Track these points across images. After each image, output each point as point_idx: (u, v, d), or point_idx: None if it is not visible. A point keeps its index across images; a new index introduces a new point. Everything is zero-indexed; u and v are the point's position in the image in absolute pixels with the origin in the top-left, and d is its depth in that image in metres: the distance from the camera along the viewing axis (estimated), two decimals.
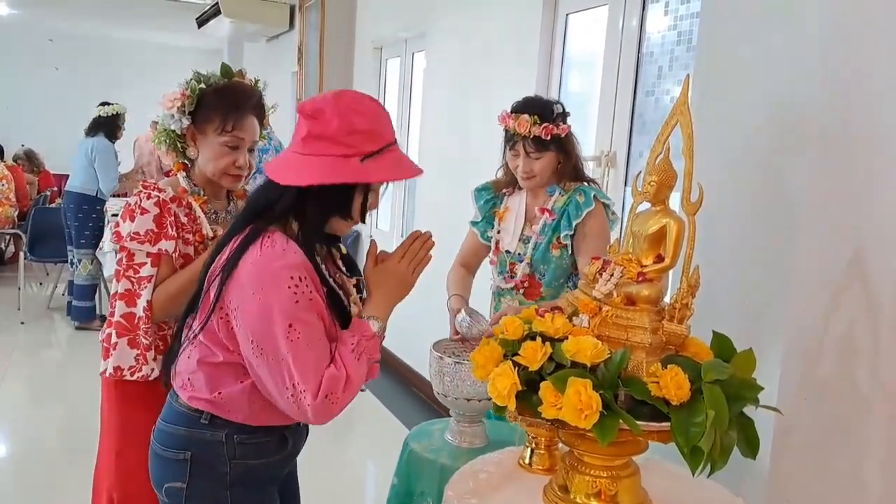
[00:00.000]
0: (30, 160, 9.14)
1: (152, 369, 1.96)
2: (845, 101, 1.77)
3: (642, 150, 3.11)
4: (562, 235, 2.34)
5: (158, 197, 1.96)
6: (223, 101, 1.99)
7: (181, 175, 2.05)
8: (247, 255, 1.52)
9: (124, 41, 11.87)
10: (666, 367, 1.36)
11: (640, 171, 1.56)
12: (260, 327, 1.48)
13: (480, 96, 4.22)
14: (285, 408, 1.52)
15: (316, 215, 1.58)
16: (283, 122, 8.55)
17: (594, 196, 2.33)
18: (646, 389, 1.35)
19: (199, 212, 2.02)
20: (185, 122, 1.99)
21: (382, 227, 6.11)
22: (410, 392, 5.05)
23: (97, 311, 6.18)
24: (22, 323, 6.23)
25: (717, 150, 2.07)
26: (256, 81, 2.15)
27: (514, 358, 1.42)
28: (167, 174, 2.11)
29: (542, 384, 1.36)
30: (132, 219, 1.93)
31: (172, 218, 1.96)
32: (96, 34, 11.75)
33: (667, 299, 1.52)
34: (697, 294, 1.46)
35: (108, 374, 1.98)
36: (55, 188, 9.14)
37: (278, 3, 8.19)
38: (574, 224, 2.32)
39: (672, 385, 1.32)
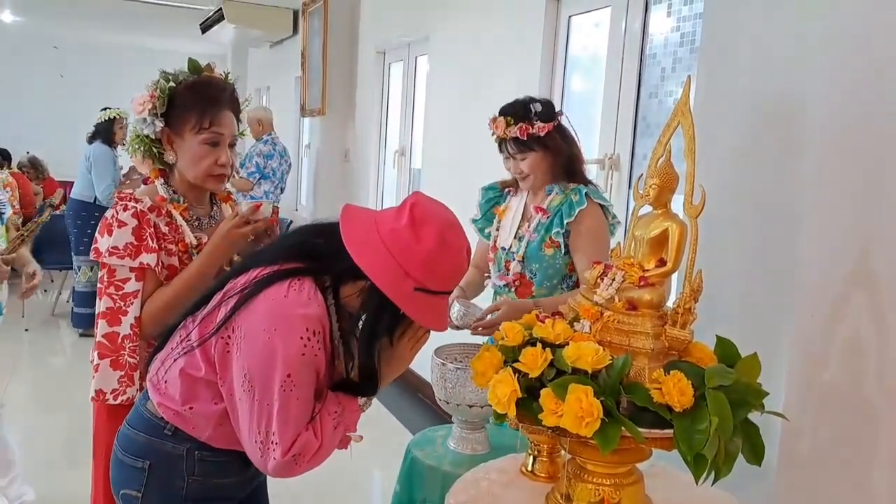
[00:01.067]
0: (34, 168, 9.15)
1: (137, 391, 1.86)
2: (849, 102, 1.75)
3: (646, 153, 3.09)
4: (553, 234, 2.34)
5: (136, 208, 1.85)
6: (197, 98, 1.88)
7: (159, 182, 1.95)
8: (271, 290, 1.47)
9: (128, 48, 11.89)
10: (668, 373, 1.33)
11: (642, 174, 1.54)
12: (258, 365, 1.44)
13: (483, 99, 4.20)
14: (249, 451, 1.49)
15: (356, 301, 1.53)
16: (286, 126, 8.58)
17: (586, 194, 2.33)
18: (648, 396, 1.33)
19: (180, 220, 1.92)
20: (159, 124, 1.88)
21: None
22: (414, 396, 5.03)
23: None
24: (26, 330, 6.24)
25: (720, 152, 2.05)
26: (227, 75, 2.03)
27: (515, 364, 1.40)
28: (145, 182, 2.01)
29: (543, 391, 1.34)
30: (110, 233, 1.83)
31: (152, 229, 1.86)
32: (101, 41, 11.78)
33: (669, 304, 1.50)
34: (700, 298, 1.44)
35: (90, 398, 1.90)
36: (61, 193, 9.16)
37: (281, 9, 8.20)
38: (566, 223, 2.32)
39: (675, 391, 1.30)
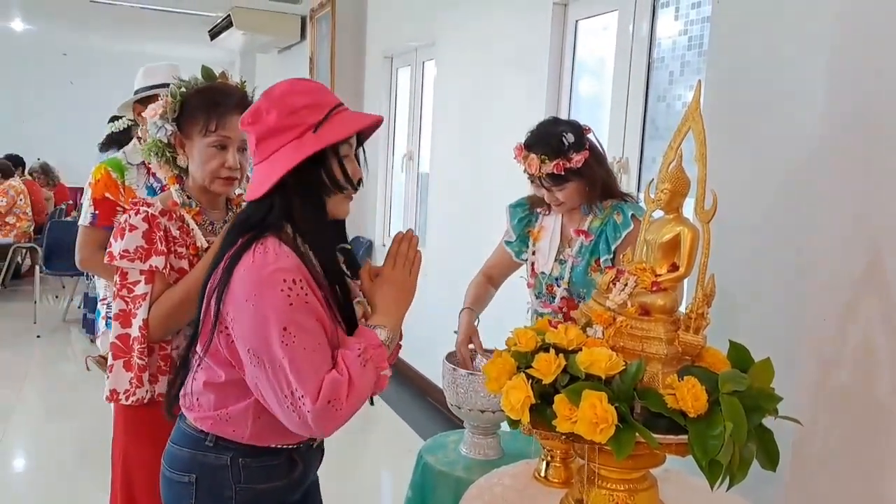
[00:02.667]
0: (45, 174, 9.21)
1: (147, 392, 1.90)
2: (858, 104, 1.74)
3: (654, 156, 3.08)
4: (601, 259, 2.23)
5: (147, 212, 1.88)
6: (205, 101, 1.91)
7: (174, 188, 1.97)
8: (240, 264, 1.48)
9: (137, 54, 11.89)
10: (682, 379, 1.33)
11: (653, 179, 1.54)
12: (255, 334, 1.44)
13: (491, 104, 4.21)
14: (286, 420, 1.47)
15: (306, 207, 1.53)
16: None
17: (632, 215, 2.22)
18: (662, 401, 1.32)
19: (192, 224, 1.94)
20: (170, 128, 1.92)
21: None
22: (425, 402, 5.03)
23: None
24: (38, 336, 6.27)
25: (730, 156, 2.05)
26: (243, 83, 2.05)
27: (528, 370, 1.40)
28: (162, 189, 2.04)
29: (557, 397, 1.34)
30: (122, 237, 1.86)
31: (162, 232, 1.88)
32: (110, 48, 11.84)
33: (682, 309, 1.50)
34: (713, 303, 1.43)
35: (105, 398, 1.93)
36: (71, 201, 9.21)
37: (290, 15, 8.22)
38: (613, 247, 2.21)
39: (689, 397, 1.30)
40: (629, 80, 3.21)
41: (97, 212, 2.65)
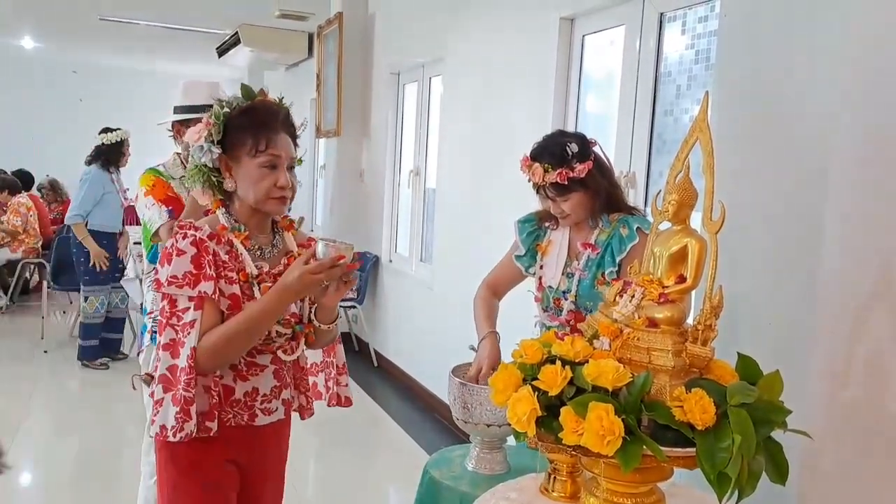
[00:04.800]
0: (54, 190, 9.25)
1: (195, 426, 1.76)
2: (866, 116, 1.74)
3: (662, 170, 3.08)
4: (606, 272, 2.23)
5: (195, 236, 1.80)
6: (251, 121, 1.84)
7: (220, 212, 1.89)
8: None
9: (146, 72, 12.04)
10: (690, 391, 1.32)
11: (660, 190, 1.54)
12: None
13: (498, 119, 4.22)
14: None
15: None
16: (302, 147, 8.61)
17: (637, 228, 2.22)
18: (670, 414, 1.31)
19: (241, 249, 1.85)
20: (216, 151, 1.83)
21: (402, 252, 6.11)
22: (430, 416, 5.01)
23: (121, 347, 6.13)
24: (45, 351, 6.27)
25: (737, 169, 2.04)
26: (281, 100, 1.99)
27: (534, 382, 1.39)
28: (206, 213, 1.96)
29: (563, 409, 1.33)
30: (169, 262, 1.77)
31: (211, 257, 1.80)
32: (119, 65, 11.95)
33: (689, 321, 1.49)
34: (720, 315, 1.42)
35: (152, 434, 1.80)
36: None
37: (297, 32, 8.28)
38: (618, 259, 2.21)
39: (697, 409, 1.29)
40: (636, 94, 3.21)
41: (171, 208, 2.71)
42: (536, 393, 1.37)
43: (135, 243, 5.70)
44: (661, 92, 3.13)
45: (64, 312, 7.73)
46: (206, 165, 1.85)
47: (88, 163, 5.91)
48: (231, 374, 1.86)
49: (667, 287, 1.46)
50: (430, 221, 5.57)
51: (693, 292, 1.50)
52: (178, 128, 2.75)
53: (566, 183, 2.17)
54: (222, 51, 9.13)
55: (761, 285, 1.99)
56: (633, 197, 3.18)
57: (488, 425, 2.17)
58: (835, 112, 1.78)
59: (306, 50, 8.37)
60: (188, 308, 1.76)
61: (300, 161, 1.96)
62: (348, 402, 2.13)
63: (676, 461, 1.34)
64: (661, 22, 3.11)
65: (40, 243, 7.81)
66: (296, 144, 1.94)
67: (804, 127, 1.90)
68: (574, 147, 2.19)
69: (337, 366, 2.12)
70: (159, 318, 1.81)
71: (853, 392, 1.74)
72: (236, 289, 1.83)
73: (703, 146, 1.46)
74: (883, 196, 1.72)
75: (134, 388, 2.60)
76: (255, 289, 1.85)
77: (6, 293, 7.82)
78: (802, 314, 1.83)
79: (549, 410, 1.36)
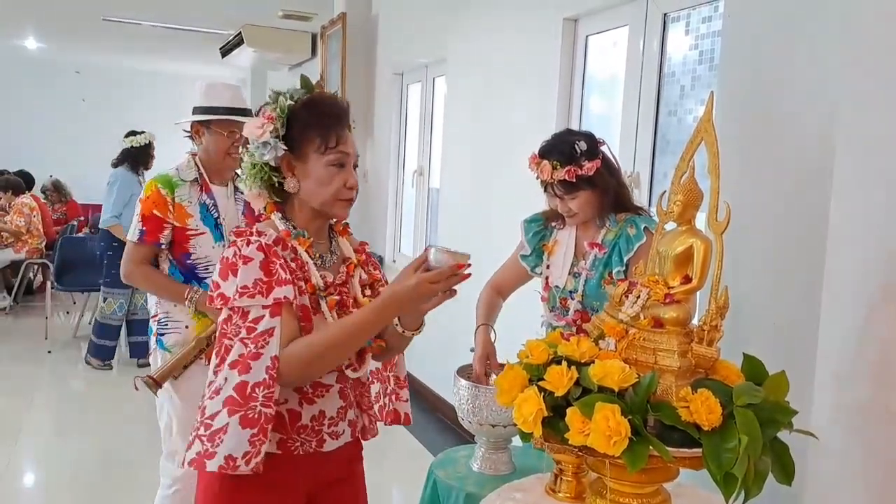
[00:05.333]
0: (57, 190, 9.29)
1: (265, 449, 1.56)
2: (870, 116, 1.74)
3: (666, 171, 3.08)
4: (613, 271, 2.23)
5: (259, 241, 1.60)
6: (318, 115, 1.66)
7: (276, 216, 1.69)
8: None
9: (149, 72, 12.06)
10: (696, 391, 1.33)
11: (665, 191, 1.54)
12: None
13: (501, 120, 4.22)
14: None
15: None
16: None
17: (645, 228, 2.21)
18: (676, 414, 1.32)
19: (305, 257, 1.67)
20: (282, 148, 1.64)
21: (405, 252, 6.11)
22: (435, 417, 5.01)
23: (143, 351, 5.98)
24: (49, 352, 6.27)
25: (742, 169, 2.04)
26: (335, 94, 1.83)
27: (540, 383, 1.40)
28: (258, 219, 1.75)
29: (569, 410, 1.33)
30: (234, 273, 1.57)
31: (282, 260, 1.61)
32: (122, 65, 11.96)
33: (695, 321, 1.49)
34: (726, 316, 1.43)
35: (216, 469, 1.52)
36: (82, 218, 9.26)
37: (300, 32, 8.28)
38: (625, 259, 2.21)
39: (703, 410, 1.29)
40: (640, 95, 3.21)
41: (144, 228, 2.60)
42: (542, 393, 1.38)
43: None
44: (665, 92, 3.13)
45: (67, 313, 7.74)
46: (266, 164, 1.66)
47: (115, 165, 5.95)
48: (296, 397, 1.66)
49: (672, 287, 1.46)
50: (433, 221, 5.58)
51: (698, 293, 1.50)
52: (198, 128, 2.71)
53: (574, 181, 2.17)
54: (225, 51, 9.14)
55: (765, 285, 1.99)
56: (638, 197, 3.18)
57: (493, 426, 2.17)
58: (838, 112, 1.78)
59: (309, 50, 8.38)
60: (262, 317, 1.56)
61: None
62: (407, 420, 1.93)
63: (683, 462, 1.34)
64: (664, 22, 3.11)
65: (44, 244, 7.83)
66: None
67: (808, 127, 1.89)
68: (583, 145, 2.19)
69: (398, 378, 1.92)
70: (221, 335, 1.61)
71: (859, 393, 1.75)
72: (305, 300, 1.64)
73: (709, 147, 1.46)
74: (887, 196, 1.72)
75: (136, 388, 2.60)
76: (323, 302, 1.67)
77: (10, 294, 7.83)
78: (807, 314, 1.83)
79: (555, 411, 1.37)
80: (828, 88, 1.83)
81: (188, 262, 2.65)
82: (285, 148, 1.64)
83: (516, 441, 2.28)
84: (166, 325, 2.69)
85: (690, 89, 3.02)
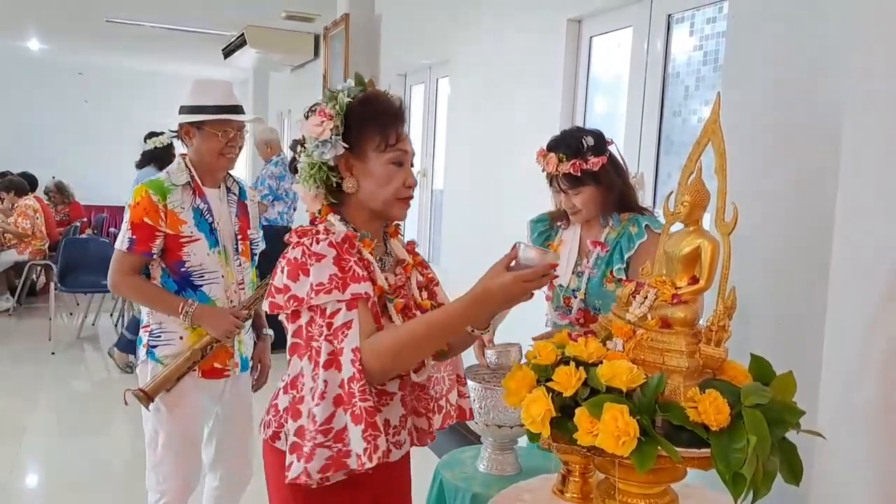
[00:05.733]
0: (60, 192, 9.30)
1: (387, 443, 1.52)
2: (875, 115, 1.74)
3: (670, 171, 3.08)
4: (615, 269, 2.24)
5: (329, 238, 1.55)
6: (377, 113, 1.62)
7: (334, 218, 1.64)
8: None
9: (151, 73, 12.09)
10: (704, 392, 1.33)
11: (672, 192, 1.54)
12: None
13: (505, 121, 4.22)
14: None
15: None
16: None
17: (646, 226, 2.23)
18: (684, 415, 1.32)
19: (371, 259, 1.62)
20: (343, 146, 1.59)
21: None
22: None
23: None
24: (53, 353, 6.28)
25: (748, 169, 2.04)
26: (387, 91, 1.77)
27: (548, 383, 1.40)
28: (311, 221, 1.68)
29: (578, 410, 1.33)
30: (305, 272, 1.51)
31: (354, 258, 1.56)
32: (124, 67, 12.00)
33: (702, 322, 1.49)
34: (733, 316, 1.43)
35: (356, 466, 1.49)
36: (85, 219, 9.28)
37: (303, 34, 8.30)
38: (626, 257, 2.22)
39: (711, 410, 1.29)
40: (644, 95, 3.21)
41: (135, 237, 2.42)
42: (551, 394, 1.38)
43: None
44: (670, 93, 3.13)
45: (71, 314, 7.75)
46: (325, 164, 1.61)
47: (140, 166, 5.90)
48: None
49: (680, 288, 1.46)
50: (437, 222, 5.58)
51: (705, 293, 1.51)
52: (188, 129, 2.53)
53: (579, 175, 2.18)
54: (228, 52, 9.16)
55: (773, 286, 1.99)
56: (642, 197, 3.17)
57: (500, 426, 2.17)
58: (843, 112, 1.79)
59: (312, 51, 8.39)
60: (338, 310, 1.50)
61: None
62: (471, 415, 1.87)
63: (691, 462, 1.34)
64: (668, 23, 3.11)
65: (47, 245, 7.84)
66: None
67: (812, 127, 1.90)
68: (590, 140, 2.20)
69: (458, 377, 1.85)
70: (307, 336, 1.53)
71: (865, 393, 1.75)
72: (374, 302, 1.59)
73: (716, 148, 1.46)
74: (892, 195, 1.72)
75: (126, 403, 2.47)
76: (390, 305, 1.62)
77: (13, 295, 7.84)
78: (813, 314, 1.84)
79: (564, 411, 1.37)
80: (832, 88, 1.83)
81: (182, 270, 2.48)
82: (345, 146, 1.60)
83: (522, 441, 2.29)
84: (159, 336, 2.53)
85: (695, 90, 3.02)
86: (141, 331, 2.61)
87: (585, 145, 2.19)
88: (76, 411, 5.17)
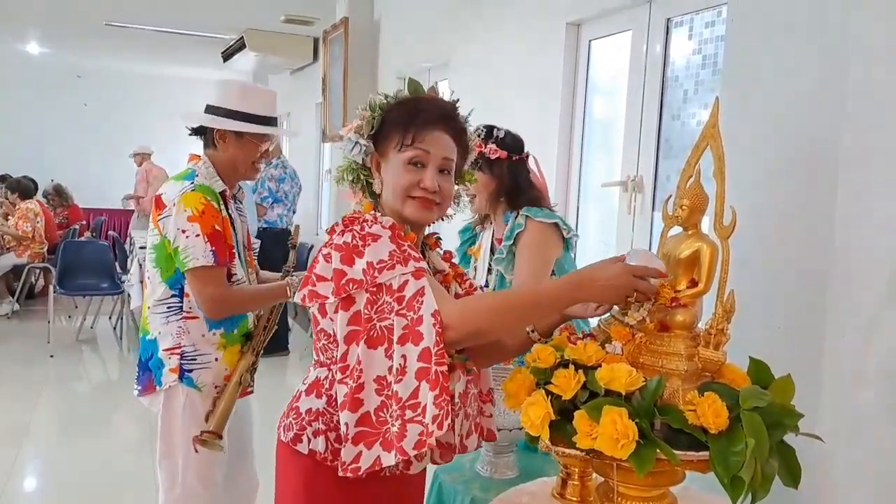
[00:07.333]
0: (59, 195, 9.31)
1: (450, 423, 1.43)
2: (875, 118, 1.75)
3: (669, 175, 3.08)
4: (494, 258, 2.38)
5: (381, 222, 1.53)
6: (405, 113, 1.61)
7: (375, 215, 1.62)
8: None
9: (151, 76, 12.09)
10: (703, 395, 1.33)
11: (670, 196, 1.54)
12: None
13: (504, 124, 4.19)
14: None
15: None
16: (307, 152, 8.64)
17: (526, 217, 2.35)
18: (683, 418, 1.32)
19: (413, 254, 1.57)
20: (364, 143, 1.61)
21: None
22: None
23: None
24: (51, 356, 6.28)
25: (746, 173, 2.05)
26: (451, 94, 1.76)
27: (547, 386, 1.40)
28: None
29: (577, 413, 1.34)
30: (359, 255, 1.48)
31: (408, 242, 1.54)
32: (123, 70, 11.99)
33: (701, 325, 1.50)
34: (732, 319, 1.43)
35: (399, 461, 1.45)
36: (84, 222, 9.28)
37: (302, 37, 8.30)
38: (506, 246, 2.35)
39: (710, 413, 1.30)
40: (643, 99, 3.22)
41: (215, 248, 2.25)
42: (550, 397, 1.38)
43: (140, 247, 5.70)
44: (668, 97, 3.13)
45: (70, 317, 7.75)
46: (355, 162, 1.63)
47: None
48: None
49: (679, 291, 1.47)
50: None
51: (703, 297, 1.51)
52: (225, 133, 2.39)
53: (477, 156, 2.21)
54: (227, 55, 9.17)
55: (771, 289, 1.99)
56: (641, 201, 3.19)
57: (499, 430, 2.17)
58: (843, 115, 1.79)
59: (311, 54, 8.40)
60: (406, 282, 1.45)
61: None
62: (491, 436, 1.79)
63: (689, 465, 1.35)
64: (667, 27, 3.11)
65: (45, 249, 7.85)
66: (467, 149, 1.73)
67: (812, 130, 1.90)
68: (502, 133, 2.41)
69: (481, 392, 1.75)
70: (366, 319, 1.47)
71: (865, 395, 1.75)
72: None
73: (715, 152, 1.47)
74: (893, 197, 1.72)
75: (196, 451, 2.29)
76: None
77: (13, 297, 7.85)
78: (812, 318, 1.84)
79: (563, 414, 1.37)
80: (831, 91, 1.83)
81: (230, 282, 2.35)
82: (367, 144, 1.61)
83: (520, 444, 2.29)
84: (194, 359, 2.32)
85: (694, 94, 3.03)
86: (163, 353, 2.33)
87: (496, 136, 2.38)
88: (76, 413, 5.18)
